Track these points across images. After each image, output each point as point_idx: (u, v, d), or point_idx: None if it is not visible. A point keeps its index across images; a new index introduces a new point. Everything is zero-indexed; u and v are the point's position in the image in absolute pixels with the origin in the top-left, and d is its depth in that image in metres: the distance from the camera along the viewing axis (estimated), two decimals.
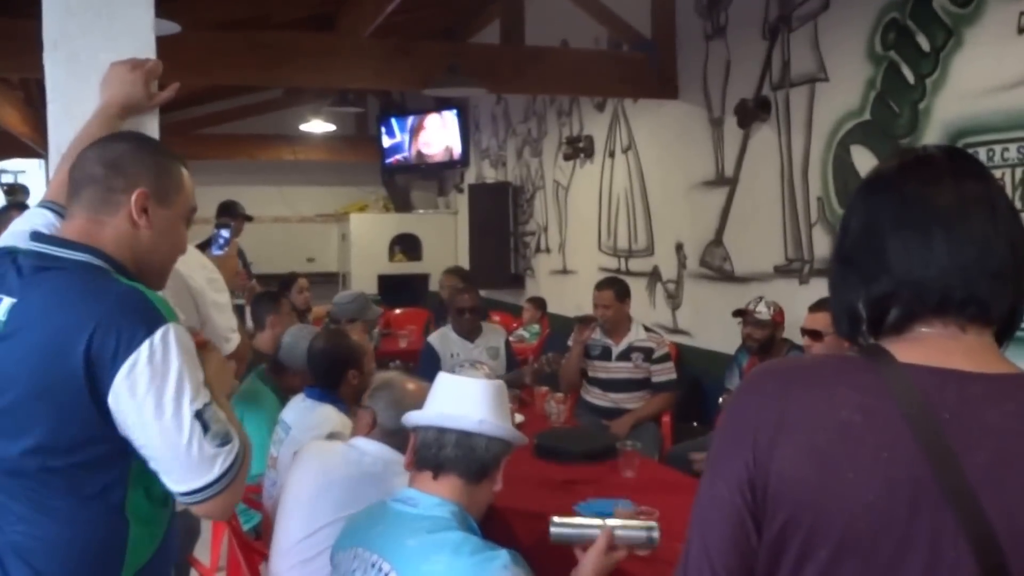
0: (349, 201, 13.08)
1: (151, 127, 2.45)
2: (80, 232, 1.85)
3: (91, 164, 1.88)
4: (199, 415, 1.73)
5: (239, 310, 7.04)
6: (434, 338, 6.13)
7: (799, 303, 4.89)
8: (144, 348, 1.69)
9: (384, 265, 12.22)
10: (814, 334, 4.27)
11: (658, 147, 7.44)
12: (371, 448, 2.93)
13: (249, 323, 7.66)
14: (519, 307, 9.48)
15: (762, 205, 6.05)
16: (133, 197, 1.86)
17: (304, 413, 3.82)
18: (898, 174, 1.37)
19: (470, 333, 6.05)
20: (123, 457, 1.78)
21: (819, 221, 5.54)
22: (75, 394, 1.70)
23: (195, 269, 2.73)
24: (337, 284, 12.54)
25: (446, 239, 12.40)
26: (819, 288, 5.37)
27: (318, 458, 3.00)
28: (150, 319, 1.72)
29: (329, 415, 3.72)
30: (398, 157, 12.15)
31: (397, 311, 10.23)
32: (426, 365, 5.93)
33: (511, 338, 8.09)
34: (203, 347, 1.94)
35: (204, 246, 3.24)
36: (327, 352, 3.94)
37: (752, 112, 6.03)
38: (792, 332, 4.99)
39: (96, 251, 1.83)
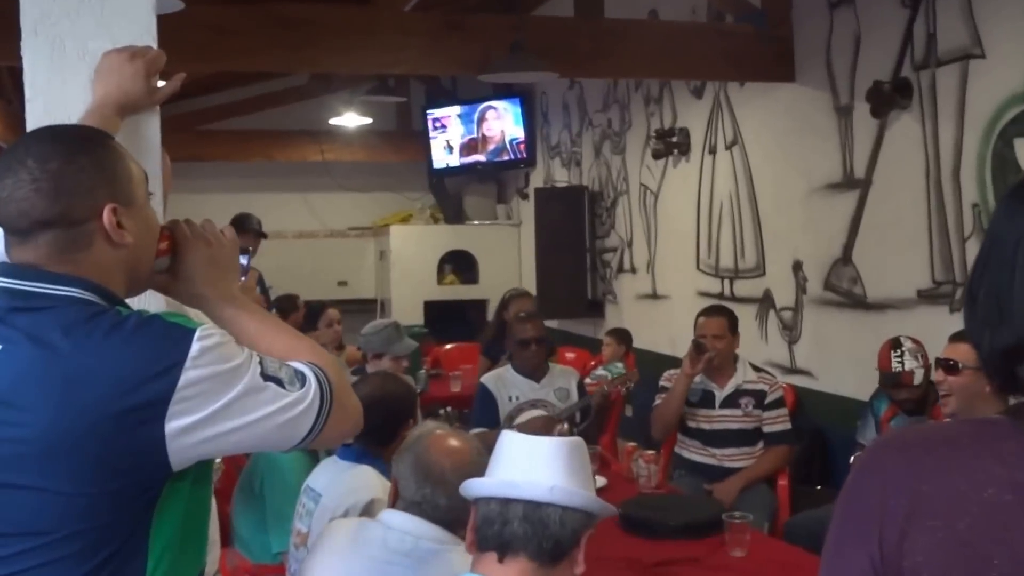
0: (389, 211, 13.20)
1: (152, 128, 2.49)
2: (70, 268, 1.87)
3: (32, 203, 1.83)
4: (265, 375, 1.86)
5: None
6: (489, 379, 6.16)
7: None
8: (188, 367, 1.78)
9: (432, 289, 12.32)
10: (949, 366, 4.16)
11: (770, 142, 7.41)
12: (399, 522, 2.90)
13: None
14: (598, 341, 9.46)
15: (902, 214, 6.00)
16: (105, 219, 1.87)
17: (336, 476, 3.80)
18: None
19: (535, 371, 6.06)
20: (139, 544, 1.83)
21: (975, 233, 5.48)
22: (96, 458, 1.75)
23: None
24: (375, 313, 12.64)
25: (507, 257, 12.48)
26: None
27: (333, 543, 3.01)
28: (178, 338, 1.81)
29: (368, 479, 3.71)
30: (448, 156, 12.25)
31: (448, 346, 10.23)
32: (481, 411, 5.98)
33: (588, 380, 8.08)
34: (178, 246, 2.06)
35: None
36: (383, 401, 3.86)
37: (889, 97, 5.99)
38: None
39: (82, 281, 1.85)
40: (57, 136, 1.96)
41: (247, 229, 7.86)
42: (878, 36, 6.15)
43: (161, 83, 2.48)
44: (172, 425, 1.76)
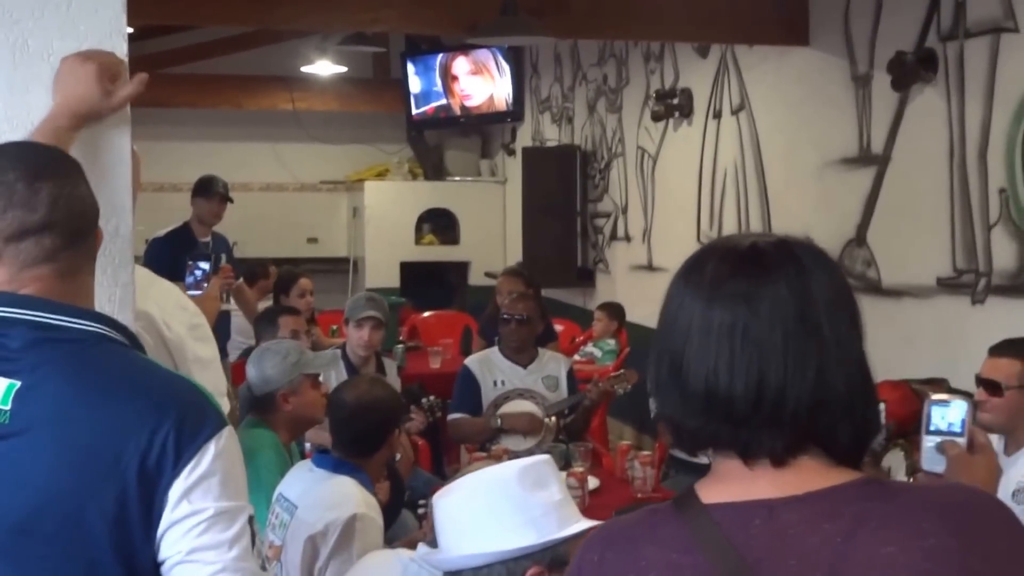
0: (363, 164, 13.15)
1: (121, 137, 2.44)
2: (71, 297, 1.89)
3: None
4: (251, 521, 1.87)
5: (224, 317, 7.06)
6: (473, 361, 6.17)
7: (971, 330, 4.79)
8: (210, 449, 1.80)
9: (409, 249, 12.32)
10: (991, 386, 4.12)
11: (780, 109, 7.39)
12: (424, 553, 2.93)
13: (236, 336, 7.69)
14: (587, 312, 9.47)
15: (923, 195, 5.97)
16: (99, 235, 1.99)
17: (312, 487, 3.78)
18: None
19: (519, 354, 6.05)
20: None
21: (1001, 220, 5.45)
22: (119, 513, 1.76)
23: (172, 313, 2.77)
24: (347, 274, 12.68)
25: (491, 217, 12.47)
26: (999, 312, 5.27)
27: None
28: (215, 419, 1.85)
29: (348, 493, 3.70)
30: (430, 107, 12.17)
31: (426, 314, 10.16)
32: (461, 396, 5.99)
33: (577, 356, 8.06)
34: None
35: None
36: (369, 409, 3.89)
37: (912, 69, 5.95)
38: (966, 379, 4.84)
39: (103, 317, 1.91)
40: (55, 150, 2.04)
41: (212, 193, 7.73)
42: (902, 1, 6.09)
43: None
44: (175, 487, 1.78)
